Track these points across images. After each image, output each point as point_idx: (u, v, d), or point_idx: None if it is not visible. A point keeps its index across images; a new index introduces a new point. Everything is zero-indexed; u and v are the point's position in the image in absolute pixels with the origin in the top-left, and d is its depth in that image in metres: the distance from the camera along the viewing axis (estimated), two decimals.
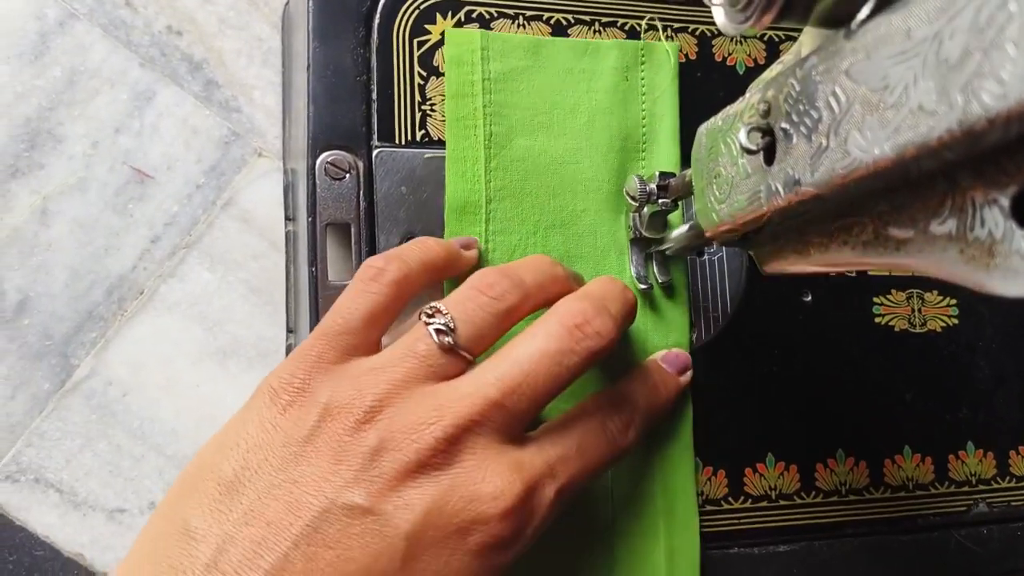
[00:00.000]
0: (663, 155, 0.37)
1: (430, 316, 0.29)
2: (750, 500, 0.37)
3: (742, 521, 0.36)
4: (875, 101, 0.20)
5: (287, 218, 0.39)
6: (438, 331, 0.28)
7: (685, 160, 0.37)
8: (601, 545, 0.34)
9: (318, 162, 0.34)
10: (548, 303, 0.31)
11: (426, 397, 0.27)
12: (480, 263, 0.35)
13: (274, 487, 0.26)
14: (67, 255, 0.41)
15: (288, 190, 0.40)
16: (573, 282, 0.33)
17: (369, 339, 0.29)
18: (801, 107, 0.23)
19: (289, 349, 0.39)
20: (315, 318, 0.34)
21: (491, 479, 0.26)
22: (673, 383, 0.35)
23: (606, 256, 0.36)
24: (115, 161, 0.42)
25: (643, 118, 0.38)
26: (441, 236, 0.35)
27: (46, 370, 0.41)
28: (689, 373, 0.35)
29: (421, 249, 0.31)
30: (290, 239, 0.39)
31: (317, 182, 0.34)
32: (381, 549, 0.25)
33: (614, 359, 0.35)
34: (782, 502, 0.37)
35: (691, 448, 0.36)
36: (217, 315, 0.42)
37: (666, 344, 0.36)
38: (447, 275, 0.33)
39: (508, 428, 0.27)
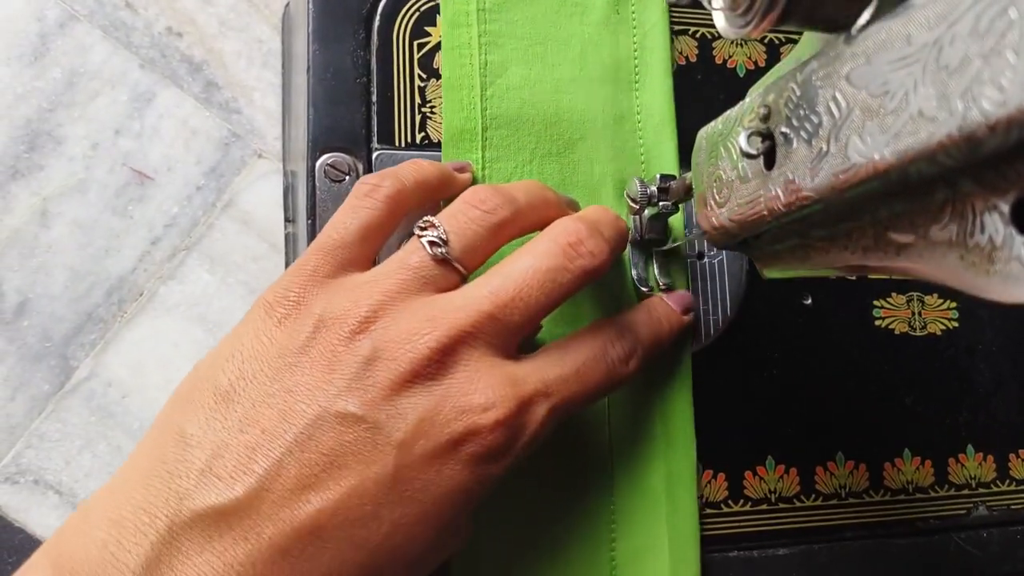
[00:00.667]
0: (656, 88, 0.38)
1: (423, 229, 0.29)
2: (750, 503, 0.37)
3: (742, 524, 0.36)
4: (875, 107, 0.20)
5: (287, 220, 0.39)
6: (431, 243, 0.28)
7: (685, 162, 0.37)
8: (599, 470, 0.35)
9: (318, 164, 0.34)
10: (541, 225, 0.31)
11: (420, 308, 0.27)
12: None
13: (269, 396, 0.26)
14: (67, 256, 0.41)
15: (288, 192, 0.40)
16: (566, 207, 0.33)
17: (364, 254, 0.29)
18: (801, 112, 0.23)
19: None
20: None
21: (483, 390, 0.26)
22: (676, 318, 0.35)
23: (602, 185, 0.37)
24: (115, 163, 0.42)
25: (635, 50, 0.38)
26: None
27: (46, 371, 0.41)
28: (691, 314, 0.36)
29: (415, 168, 0.31)
30: (290, 241, 0.39)
31: (317, 184, 0.34)
32: (373, 457, 0.25)
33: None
34: (782, 505, 0.37)
35: (690, 378, 0.36)
36: (217, 317, 0.42)
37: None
38: (441, 196, 0.33)
39: (502, 341, 0.28)
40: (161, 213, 0.43)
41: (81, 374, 0.41)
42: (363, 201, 0.30)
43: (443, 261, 0.28)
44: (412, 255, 0.28)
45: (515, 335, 0.28)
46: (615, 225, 0.31)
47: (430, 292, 0.28)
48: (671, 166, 0.37)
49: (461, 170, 0.34)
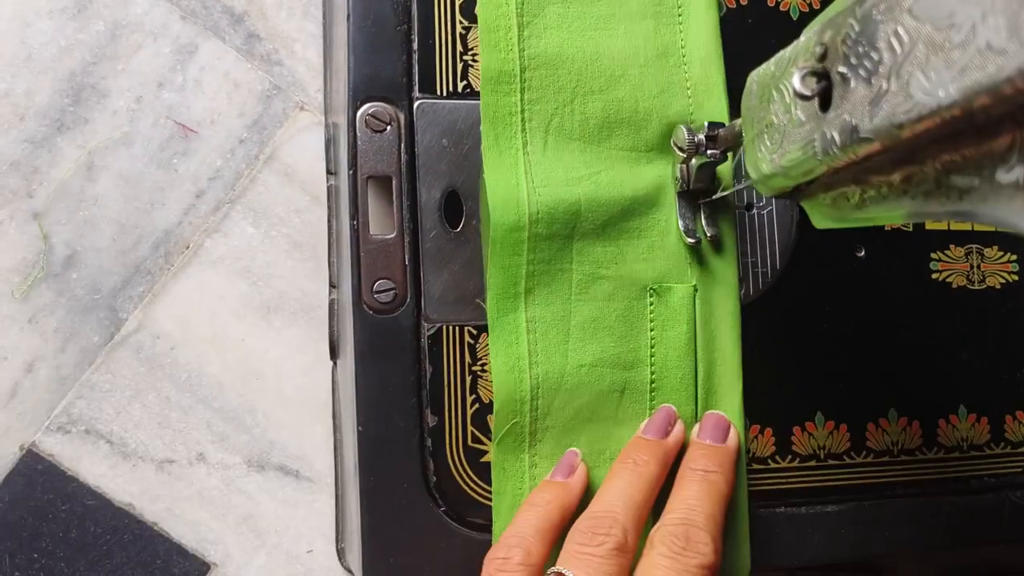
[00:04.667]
0: (700, 20, 0.37)
1: None
2: (798, 459, 0.36)
3: (789, 480, 0.36)
4: (940, 40, 0.19)
5: (329, 172, 0.39)
6: None
7: (735, 109, 0.36)
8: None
9: (359, 114, 0.33)
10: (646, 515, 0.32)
11: None
12: (516, 131, 0.34)
13: None
14: (114, 210, 0.42)
15: (330, 144, 0.39)
16: (664, 467, 0.33)
17: None
18: (860, 49, 0.22)
19: (332, 304, 0.39)
20: (357, 272, 0.34)
21: None
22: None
23: (647, 122, 0.36)
24: (159, 116, 0.42)
25: None
26: (478, 189, 0.35)
27: (95, 323, 0.41)
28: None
29: (534, 516, 0.32)
30: (332, 193, 0.39)
31: (358, 134, 0.33)
32: None
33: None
34: (831, 462, 0.36)
35: (739, 330, 0.36)
36: (261, 270, 0.43)
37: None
38: (567, 521, 0.33)
39: None
40: (205, 166, 0.43)
41: (130, 326, 0.42)
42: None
43: None
44: None
45: None
46: (706, 503, 0.32)
47: None
48: (719, 100, 0.36)
49: (571, 469, 0.34)
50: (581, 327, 0.34)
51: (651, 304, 0.35)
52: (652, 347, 0.35)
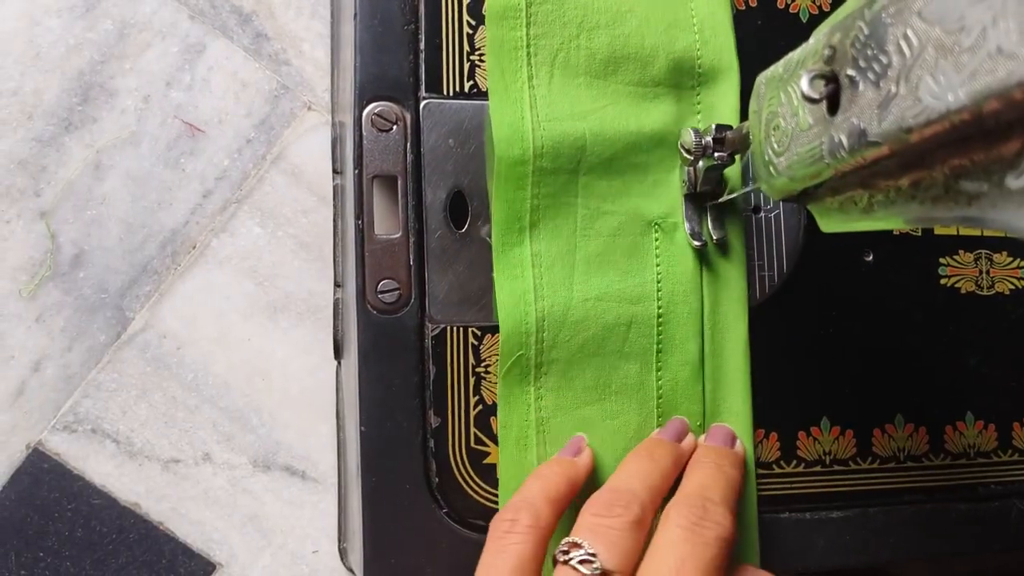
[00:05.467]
0: None
1: (566, 553, 0.29)
2: (803, 464, 0.36)
3: (794, 486, 0.35)
4: (950, 44, 0.19)
5: (335, 171, 0.39)
6: (582, 562, 0.28)
7: (743, 112, 0.36)
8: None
9: (365, 113, 0.33)
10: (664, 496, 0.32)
11: None
12: (521, 65, 0.34)
13: None
14: (121, 209, 0.42)
15: (336, 143, 0.39)
16: (677, 463, 0.33)
17: None
18: (869, 52, 0.22)
19: (336, 304, 0.39)
20: (361, 271, 0.34)
21: None
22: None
23: (654, 58, 0.35)
24: (166, 115, 0.42)
25: None
26: (487, 188, 0.35)
27: (102, 322, 0.42)
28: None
29: (541, 486, 0.31)
30: (337, 192, 0.39)
31: (364, 134, 0.33)
32: None
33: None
34: (836, 467, 0.36)
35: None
36: (267, 270, 0.43)
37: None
38: (573, 496, 0.32)
39: None
40: (212, 166, 0.43)
41: (136, 325, 0.42)
42: (507, 538, 0.29)
43: (602, 575, 0.28)
44: None
45: None
46: (720, 481, 0.31)
47: None
48: (726, 38, 0.36)
49: (577, 451, 0.34)
50: (586, 262, 0.35)
51: (656, 239, 0.35)
52: (659, 281, 0.35)
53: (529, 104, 0.34)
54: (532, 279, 0.34)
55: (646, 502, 0.30)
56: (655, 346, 0.35)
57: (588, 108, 0.35)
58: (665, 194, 0.35)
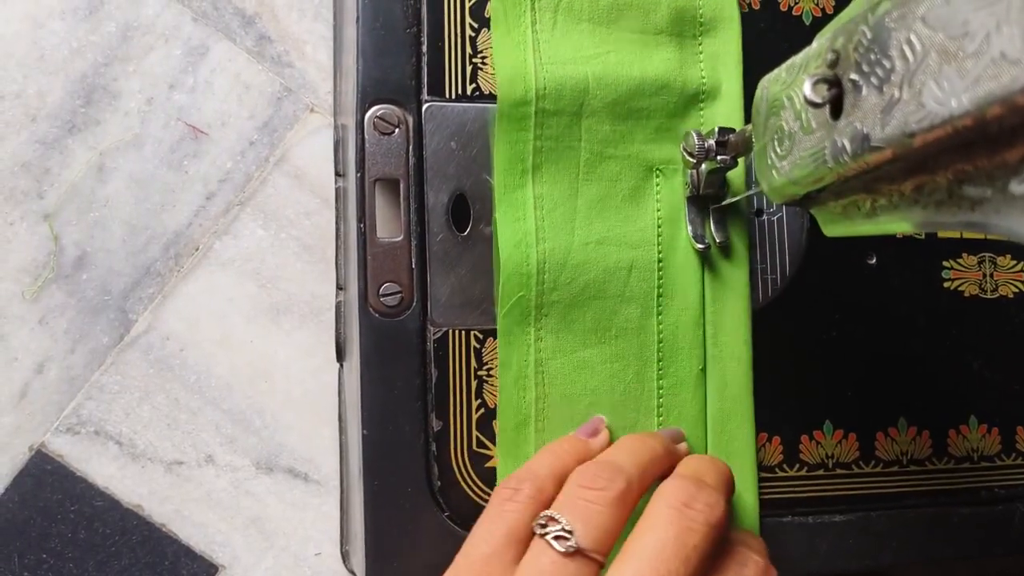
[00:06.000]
0: None
1: (543, 526, 0.28)
2: (806, 468, 0.36)
3: (797, 489, 0.35)
4: (953, 49, 0.19)
5: (337, 174, 0.39)
6: (557, 538, 0.27)
7: (746, 115, 0.36)
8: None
9: (367, 116, 0.33)
10: (651, 484, 0.31)
11: None
12: (524, 9, 0.35)
13: None
14: (124, 211, 0.42)
15: (338, 146, 0.39)
16: (671, 446, 0.33)
17: (512, 558, 0.29)
18: (872, 56, 0.22)
19: (338, 306, 0.39)
20: (363, 275, 0.34)
21: None
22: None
23: (656, 5, 0.36)
24: (170, 117, 0.42)
25: None
26: (490, 191, 0.35)
27: (105, 324, 0.42)
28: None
29: (551, 459, 0.31)
30: (340, 195, 0.39)
31: (366, 137, 0.33)
32: None
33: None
34: (839, 471, 0.36)
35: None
36: (270, 272, 0.43)
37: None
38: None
39: None
40: (215, 168, 0.43)
41: (140, 327, 0.42)
42: (506, 505, 0.29)
43: (576, 553, 0.27)
44: (542, 558, 0.28)
45: None
46: (715, 469, 0.31)
47: None
48: None
49: (594, 432, 0.33)
50: (588, 206, 0.35)
51: (658, 185, 0.35)
52: (659, 227, 0.35)
53: (532, 47, 0.35)
54: (534, 221, 0.34)
55: (633, 478, 0.30)
56: (656, 290, 0.35)
57: (591, 53, 0.35)
58: (667, 140, 0.36)
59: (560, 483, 0.30)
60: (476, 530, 0.29)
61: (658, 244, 0.35)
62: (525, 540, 0.29)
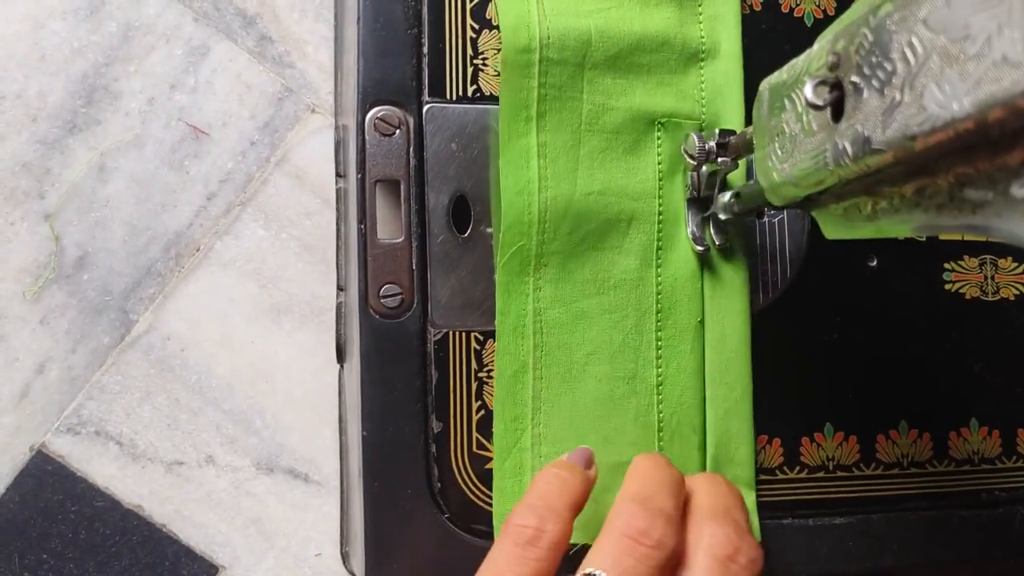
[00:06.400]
0: None
1: None
2: (806, 470, 0.36)
3: (797, 492, 0.35)
4: (955, 52, 0.19)
5: (338, 175, 0.39)
6: None
7: (747, 117, 0.36)
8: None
9: (368, 118, 0.33)
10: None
11: None
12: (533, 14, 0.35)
13: None
14: (125, 211, 0.42)
15: (339, 146, 0.39)
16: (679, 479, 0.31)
17: None
18: (874, 59, 0.21)
19: (339, 308, 0.39)
20: (364, 276, 0.34)
21: None
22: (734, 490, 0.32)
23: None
24: (171, 118, 0.42)
25: None
26: (489, 194, 0.34)
27: (106, 325, 0.42)
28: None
29: (562, 491, 0.29)
30: (340, 196, 0.39)
31: (367, 138, 0.33)
32: None
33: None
34: (840, 473, 0.36)
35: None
36: (271, 272, 0.43)
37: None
38: (583, 504, 0.30)
39: None
40: (216, 168, 0.43)
41: (140, 328, 0.42)
42: (528, 552, 0.27)
43: None
44: None
45: None
46: (739, 500, 0.30)
47: None
48: None
49: (588, 464, 0.31)
50: (590, 156, 0.35)
51: (659, 138, 0.36)
52: (660, 179, 0.36)
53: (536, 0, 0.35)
54: (537, 169, 0.34)
55: (678, 529, 0.28)
56: (655, 243, 0.35)
57: (593, 8, 0.35)
58: (669, 95, 0.36)
59: (574, 515, 0.29)
60: (493, 571, 0.27)
61: (658, 197, 0.35)
62: None
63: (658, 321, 0.35)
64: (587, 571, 0.26)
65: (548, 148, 0.34)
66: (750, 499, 0.34)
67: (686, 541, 0.28)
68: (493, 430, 0.34)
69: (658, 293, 0.35)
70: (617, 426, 0.34)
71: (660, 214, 0.35)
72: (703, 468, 0.35)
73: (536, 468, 0.33)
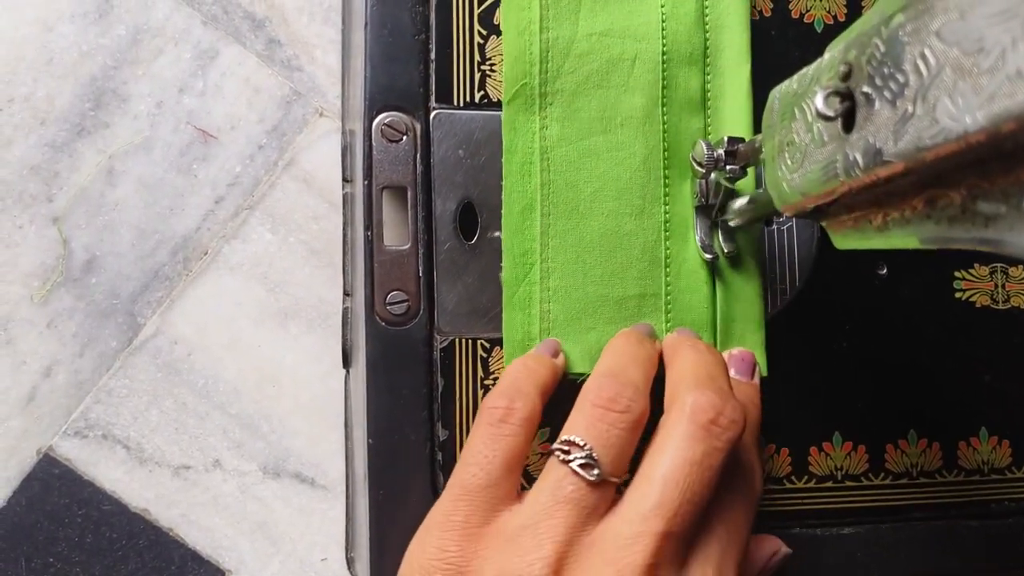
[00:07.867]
0: None
1: (566, 452, 0.27)
2: (815, 480, 0.35)
3: (805, 501, 0.35)
4: (968, 65, 0.18)
5: (345, 180, 0.39)
6: (583, 466, 0.27)
7: (756, 125, 0.35)
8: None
9: (375, 123, 0.33)
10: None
11: (594, 553, 0.26)
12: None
13: None
14: (133, 215, 0.42)
15: (346, 151, 0.39)
16: (656, 348, 0.32)
17: (511, 485, 0.28)
18: (886, 70, 0.21)
19: (346, 313, 0.39)
20: (370, 282, 0.34)
21: None
22: (754, 394, 0.32)
23: None
24: (179, 121, 0.42)
25: None
26: (499, 201, 0.34)
27: (113, 328, 0.42)
28: (757, 374, 0.34)
29: (528, 375, 0.30)
30: (347, 201, 0.39)
31: (373, 144, 0.33)
32: None
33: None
34: (848, 483, 0.35)
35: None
36: (278, 276, 0.43)
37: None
38: (551, 392, 0.31)
39: (679, 552, 0.26)
40: (224, 172, 0.43)
41: (148, 331, 0.42)
42: (500, 428, 0.28)
43: (600, 483, 0.27)
44: (564, 483, 0.27)
45: (689, 540, 0.27)
46: (723, 371, 0.30)
47: (592, 520, 0.26)
48: None
49: (555, 353, 0.33)
50: (592, 0, 0.35)
51: None
52: (663, 21, 0.36)
53: None
54: (539, 10, 0.35)
55: (646, 397, 0.29)
56: (661, 81, 0.35)
57: None
58: None
59: (544, 400, 0.30)
60: (470, 455, 0.28)
61: (662, 38, 0.35)
62: (522, 464, 0.29)
63: (665, 159, 0.35)
64: (564, 438, 0.28)
65: None
66: (758, 337, 0.35)
67: (671, 409, 0.29)
68: (502, 264, 0.34)
69: (664, 131, 0.35)
70: (624, 261, 0.34)
71: (664, 54, 0.35)
72: (711, 303, 0.35)
73: (544, 300, 0.34)
